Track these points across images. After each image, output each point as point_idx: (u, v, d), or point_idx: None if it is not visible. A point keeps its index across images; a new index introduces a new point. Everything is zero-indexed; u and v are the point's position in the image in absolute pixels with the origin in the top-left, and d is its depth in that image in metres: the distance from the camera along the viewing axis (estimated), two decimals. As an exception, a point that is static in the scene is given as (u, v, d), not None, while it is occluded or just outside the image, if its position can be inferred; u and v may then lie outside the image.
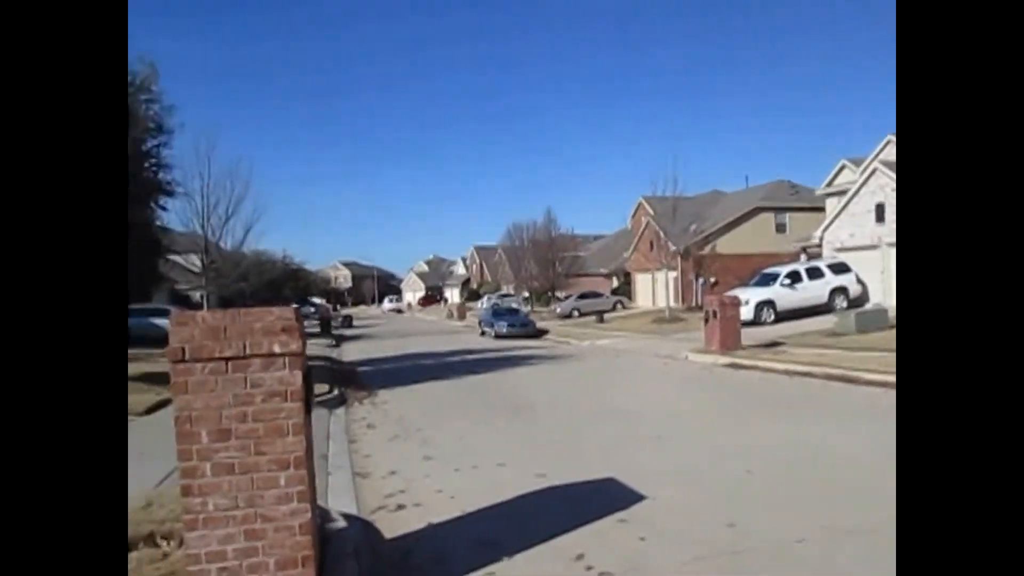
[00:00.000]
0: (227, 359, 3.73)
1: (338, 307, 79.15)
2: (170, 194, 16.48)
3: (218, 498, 3.79)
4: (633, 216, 57.95)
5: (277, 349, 3.80)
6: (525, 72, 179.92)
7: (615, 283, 55.58)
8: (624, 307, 48.39)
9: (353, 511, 6.15)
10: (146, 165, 14.51)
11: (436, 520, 6.11)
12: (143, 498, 6.20)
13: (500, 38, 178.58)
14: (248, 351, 3.75)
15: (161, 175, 15.29)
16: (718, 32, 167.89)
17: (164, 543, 4.93)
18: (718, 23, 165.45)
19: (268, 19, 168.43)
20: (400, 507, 6.60)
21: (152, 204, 15.74)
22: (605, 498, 6.53)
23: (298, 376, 3.88)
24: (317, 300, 78.57)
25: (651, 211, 44.88)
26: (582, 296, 48.86)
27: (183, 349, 3.67)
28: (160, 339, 17.16)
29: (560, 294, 53.51)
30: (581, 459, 8.21)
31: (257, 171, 79.68)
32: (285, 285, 63.03)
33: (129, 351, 22.89)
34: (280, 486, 3.89)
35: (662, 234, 38.58)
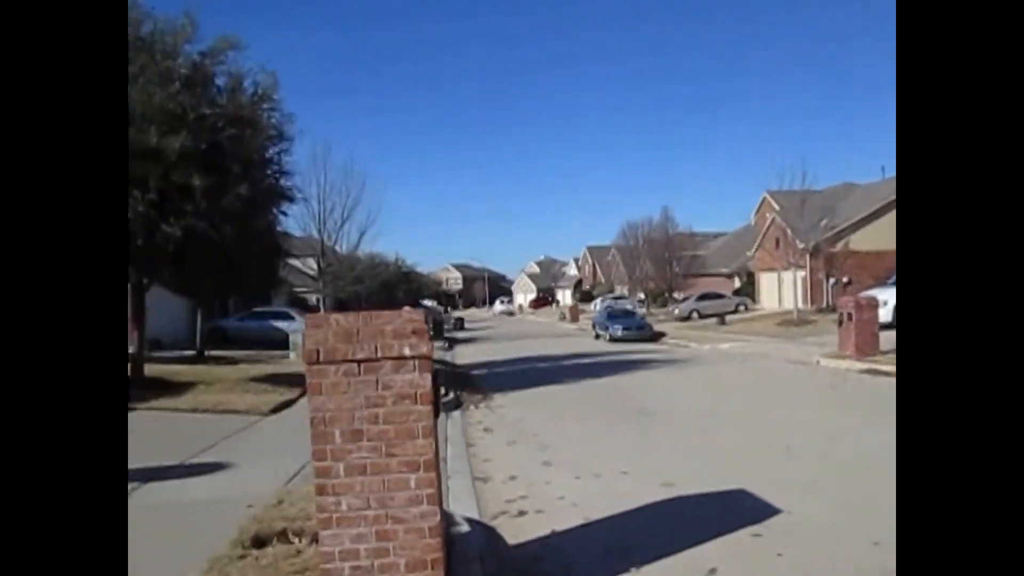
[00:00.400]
0: (359, 361, 3.77)
1: (449, 309, 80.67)
2: (291, 200, 17.19)
3: (351, 498, 3.83)
4: (757, 212, 56.16)
5: (407, 352, 3.81)
6: (641, 65, 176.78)
7: (737, 283, 53.95)
8: (747, 309, 46.84)
9: (475, 515, 6.13)
10: (268, 172, 15.10)
11: (560, 528, 6.01)
12: (274, 495, 6.41)
13: (611, 30, 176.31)
14: (379, 353, 3.77)
15: (282, 181, 15.90)
16: (847, 24, 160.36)
17: (296, 540, 5.04)
18: (842, 15, 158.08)
19: (381, 14, 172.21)
20: (522, 513, 6.53)
21: (274, 210, 16.39)
22: (736, 510, 6.25)
23: (427, 379, 3.87)
24: (428, 302, 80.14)
25: (776, 206, 43.28)
26: (702, 297, 47.60)
27: (317, 351, 3.72)
28: (280, 341, 18.03)
29: (678, 295, 52.37)
30: (707, 468, 7.92)
31: (369, 173, 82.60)
32: (398, 287, 64.62)
33: (252, 352, 24.20)
34: (410, 488, 3.89)
35: (789, 230, 37.07)
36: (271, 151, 15.09)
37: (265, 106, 14.60)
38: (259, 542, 5.01)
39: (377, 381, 3.80)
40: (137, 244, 12.37)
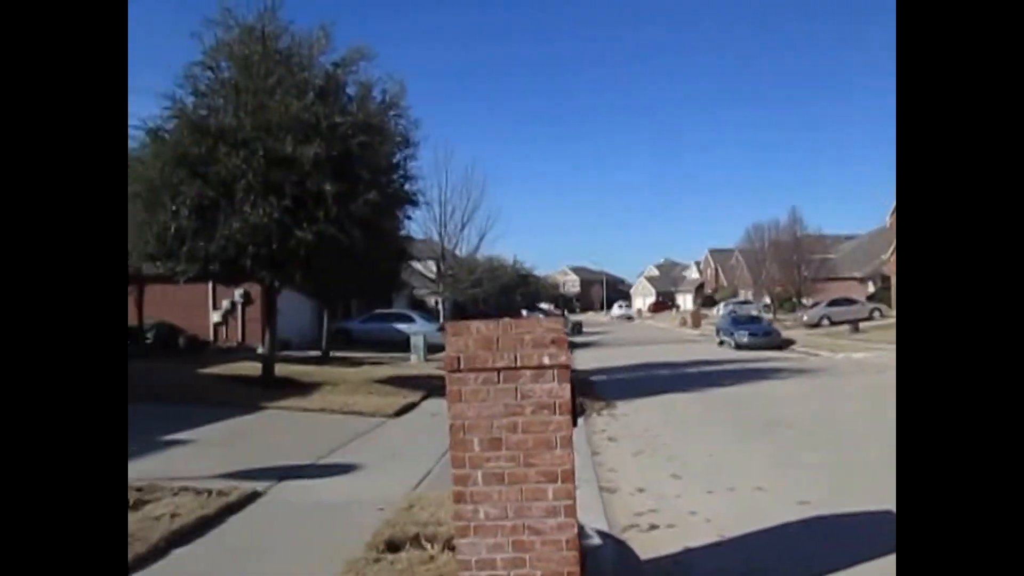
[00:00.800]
0: (499, 370, 3.72)
1: (566, 313, 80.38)
2: (415, 204, 17.66)
3: (489, 507, 3.78)
4: (892, 213, 53.11)
5: (546, 361, 3.73)
6: (769, 62, 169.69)
7: (871, 288, 51.13)
8: (883, 315, 44.20)
9: (604, 527, 6.00)
10: (394, 177, 15.48)
11: (693, 544, 5.80)
12: (405, 500, 6.49)
13: (731, 27, 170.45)
14: (519, 362, 3.71)
15: (407, 186, 16.30)
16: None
17: (429, 545, 5.06)
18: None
19: (498, 16, 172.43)
20: (653, 527, 6.35)
21: (399, 214, 16.85)
22: (883, 533, 5.81)
23: (566, 389, 3.79)
24: (545, 306, 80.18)
25: (915, 207, 40.70)
26: (832, 303, 45.27)
27: (458, 359, 3.70)
28: (401, 343, 18.52)
29: (806, 300, 50.13)
30: (846, 486, 7.48)
31: (489, 175, 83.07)
32: (515, 290, 65.03)
33: (374, 354, 24.87)
34: (548, 499, 3.81)
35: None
36: (397, 157, 15.47)
37: (392, 113, 15.00)
38: (393, 546, 5.06)
39: (516, 390, 3.74)
40: (272, 248, 12.94)
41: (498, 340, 3.72)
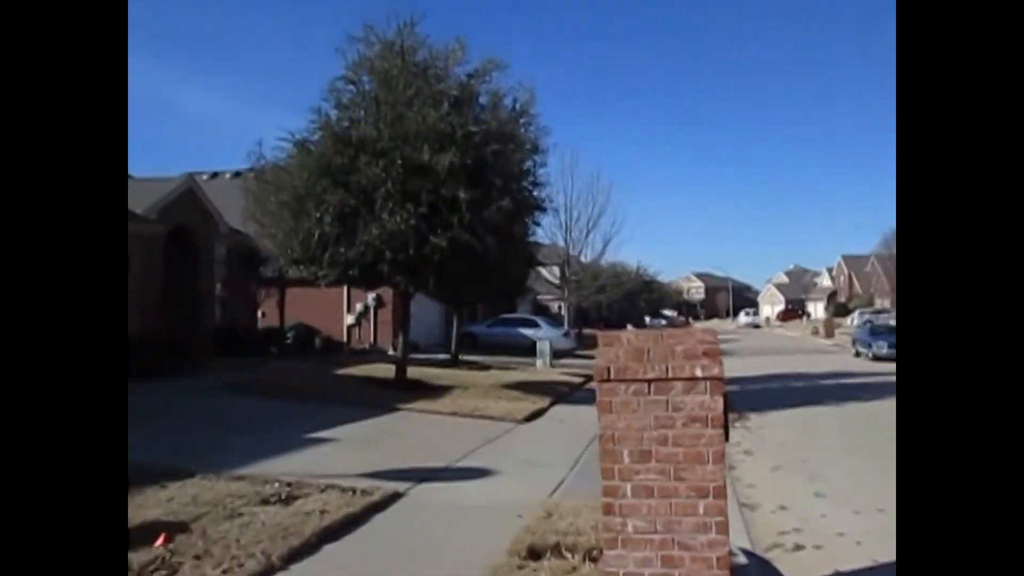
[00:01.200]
0: (649, 381, 3.67)
1: (690, 320, 78.38)
2: (544, 210, 17.75)
3: (637, 520, 3.73)
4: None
5: (699, 373, 3.65)
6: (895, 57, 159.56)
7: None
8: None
9: (746, 546, 5.81)
10: (524, 184, 15.63)
11: (843, 568, 5.53)
12: (542, 508, 6.51)
13: (864, 27, 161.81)
14: (670, 374, 3.65)
15: (536, 192, 16.42)
16: None
17: (569, 555, 5.06)
18: None
19: (621, 20, 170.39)
20: (798, 547, 6.09)
21: (528, 220, 16.98)
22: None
23: (719, 402, 3.69)
24: (669, 312, 78.63)
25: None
26: (979, 315, 42.16)
27: (608, 369, 3.68)
28: (526, 348, 18.63)
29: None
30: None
31: (615, 180, 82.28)
32: (639, 296, 64.11)
33: (500, 358, 25.08)
34: (698, 515, 3.73)
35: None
36: (528, 164, 15.62)
37: (523, 121, 15.17)
38: (534, 554, 5.09)
39: (667, 402, 3.68)
40: (408, 254, 13.34)
41: (649, 351, 3.67)
